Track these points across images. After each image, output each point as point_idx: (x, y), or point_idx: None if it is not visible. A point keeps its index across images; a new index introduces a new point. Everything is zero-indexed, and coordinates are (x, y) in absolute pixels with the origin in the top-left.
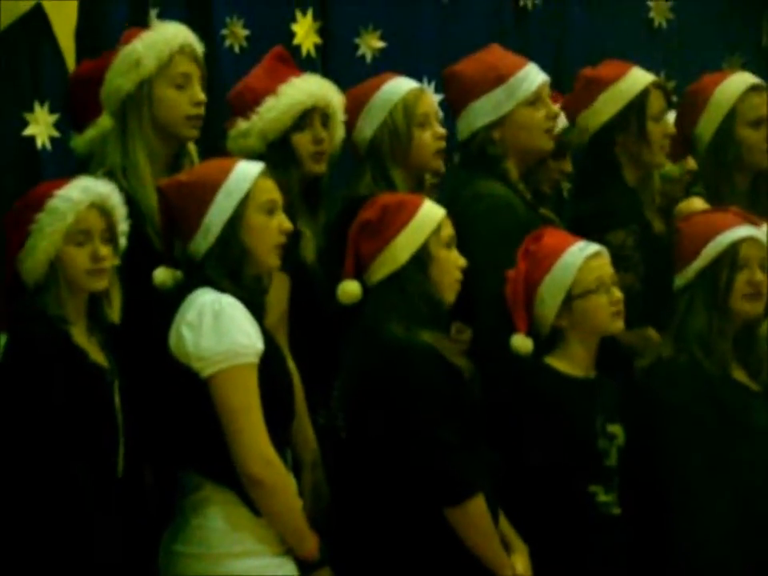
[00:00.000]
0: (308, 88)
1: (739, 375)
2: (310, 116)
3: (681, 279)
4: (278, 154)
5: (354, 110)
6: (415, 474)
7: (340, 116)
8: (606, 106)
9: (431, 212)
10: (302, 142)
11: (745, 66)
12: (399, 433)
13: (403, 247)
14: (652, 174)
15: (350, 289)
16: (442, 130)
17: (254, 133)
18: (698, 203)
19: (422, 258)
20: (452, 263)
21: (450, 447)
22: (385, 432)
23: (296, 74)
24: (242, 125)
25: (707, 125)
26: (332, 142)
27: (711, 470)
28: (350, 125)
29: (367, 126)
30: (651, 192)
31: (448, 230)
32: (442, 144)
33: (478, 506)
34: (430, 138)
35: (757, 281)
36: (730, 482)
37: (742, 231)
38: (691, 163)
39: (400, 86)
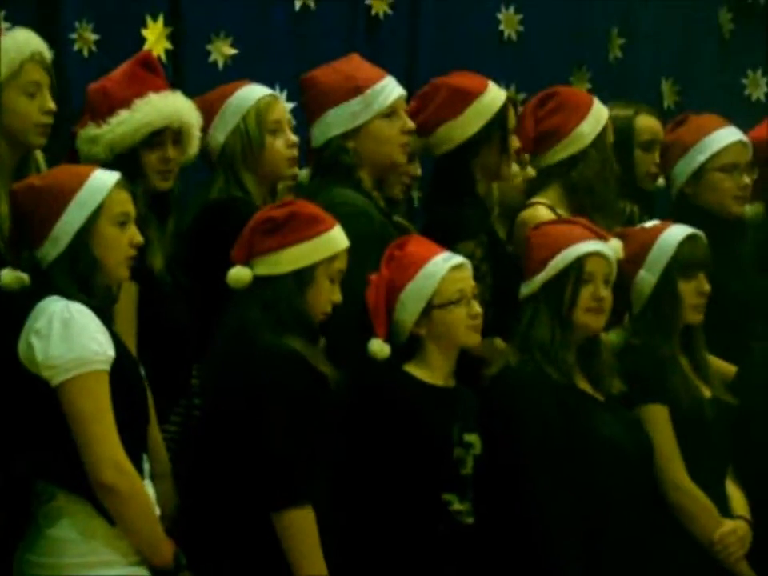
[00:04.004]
0: (163, 108)
1: (583, 385)
2: (162, 135)
3: (526, 288)
4: (124, 166)
5: (207, 115)
6: (248, 477)
7: (195, 133)
8: (474, 119)
9: (332, 241)
10: (150, 159)
11: (592, 81)
12: (243, 434)
13: (290, 261)
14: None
15: (240, 275)
16: (294, 138)
17: (102, 142)
18: (542, 212)
19: (303, 279)
20: (329, 296)
21: (285, 455)
22: (232, 431)
23: (158, 84)
24: (91, 130)
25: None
26: (183, 158)
27: (558, 477)
28: (202, 129)
29: (220, 132)
30: (491, 201)
31: (340, 265)
32: (295, 152)
33: (301, 517)
34: (283, 145)
35: (600, 296)
36: (577, 488)
37: (589, 246)
38: (530, 171)
39: (253, 92)
